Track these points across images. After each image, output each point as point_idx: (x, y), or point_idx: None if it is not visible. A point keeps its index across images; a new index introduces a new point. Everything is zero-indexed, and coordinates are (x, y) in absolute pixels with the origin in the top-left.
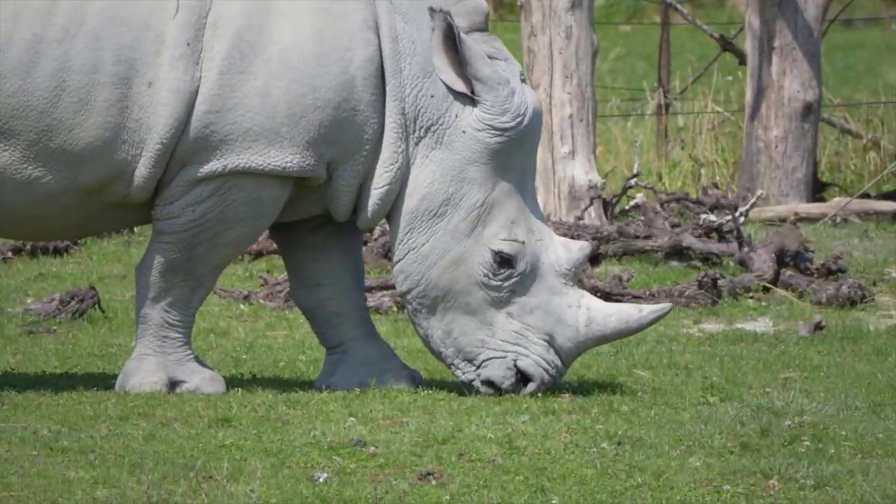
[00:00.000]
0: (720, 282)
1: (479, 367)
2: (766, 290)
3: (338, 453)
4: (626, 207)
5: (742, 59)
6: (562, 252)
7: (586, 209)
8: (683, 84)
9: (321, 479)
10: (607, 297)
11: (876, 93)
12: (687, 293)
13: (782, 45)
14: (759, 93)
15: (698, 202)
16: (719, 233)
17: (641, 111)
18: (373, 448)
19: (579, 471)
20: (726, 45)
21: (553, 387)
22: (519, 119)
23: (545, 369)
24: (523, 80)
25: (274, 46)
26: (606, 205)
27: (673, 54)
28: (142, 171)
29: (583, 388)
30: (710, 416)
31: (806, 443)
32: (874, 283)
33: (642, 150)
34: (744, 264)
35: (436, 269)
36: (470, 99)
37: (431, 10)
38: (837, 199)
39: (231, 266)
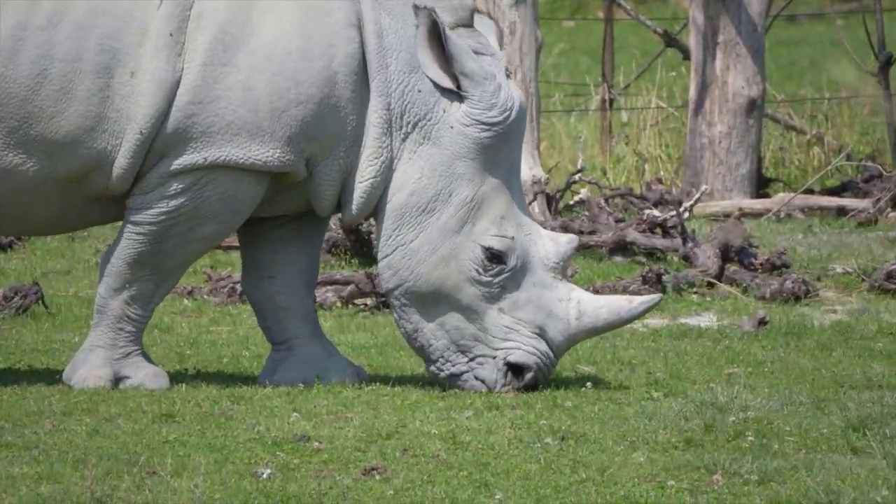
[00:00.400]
0: (664, 277)
1: (470, 360)
2: (710, 285)
3: (281, 449)
4: (571, 203)
5: (686, 55)
6: (550, 246)
7: (530, 204)
8: (627, 79)
9: (265, 475)
10: None
11: (820, 89)
12: (631, 288)
13: (726, 40)
14: (703, 88)
15: (642, 197)
16: (663, 228)
17: (585, 106)
18: (317, 443)
19: (523, 466)
20: (670, 40)
21: (546, 380)
22: (506, 114)
23: (539, 358)
24: (508, 76)
25: (257, 40)
26: (550, 200)
27: (617, 50)
28: (121, 161)
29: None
30: (654, 411)
31: (750, 438)
32: (818, 279)
33: (586, 145)
34: (688, 259)
35: (425, 265)
36: (457, 95)
37: (416, 6)
38: (781, 194)
39: None
